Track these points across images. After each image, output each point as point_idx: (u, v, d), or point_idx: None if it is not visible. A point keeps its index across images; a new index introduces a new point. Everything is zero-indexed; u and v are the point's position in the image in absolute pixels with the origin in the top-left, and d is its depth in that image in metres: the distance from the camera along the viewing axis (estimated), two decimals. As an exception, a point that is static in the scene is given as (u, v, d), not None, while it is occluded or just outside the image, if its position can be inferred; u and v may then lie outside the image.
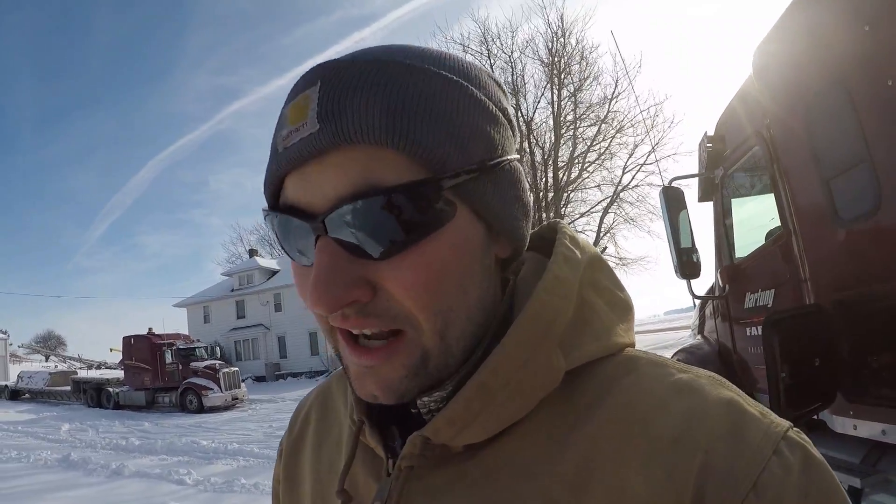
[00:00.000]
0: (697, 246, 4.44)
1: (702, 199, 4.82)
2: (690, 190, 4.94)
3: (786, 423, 0.55)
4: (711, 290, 4.90)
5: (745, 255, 4.27)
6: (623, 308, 0.68)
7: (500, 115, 0.63)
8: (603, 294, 0.67)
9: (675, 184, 4.58)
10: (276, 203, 0.61)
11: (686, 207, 4.43)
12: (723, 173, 4.42)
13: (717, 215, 4.58)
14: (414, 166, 0.55)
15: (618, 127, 25.26)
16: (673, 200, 4.42)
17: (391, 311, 0.56)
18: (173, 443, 13.50)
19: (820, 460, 0.53)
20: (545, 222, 0.75)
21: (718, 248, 4.58)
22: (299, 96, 0.58)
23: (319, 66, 0.59)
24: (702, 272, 4.43)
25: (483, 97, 0.62)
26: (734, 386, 0.60)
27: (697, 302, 5.11)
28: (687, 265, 4.36)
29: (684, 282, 4.58)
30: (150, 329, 26.59)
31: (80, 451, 13.24)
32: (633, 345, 0.67)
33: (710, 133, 4.50)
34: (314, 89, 0.57)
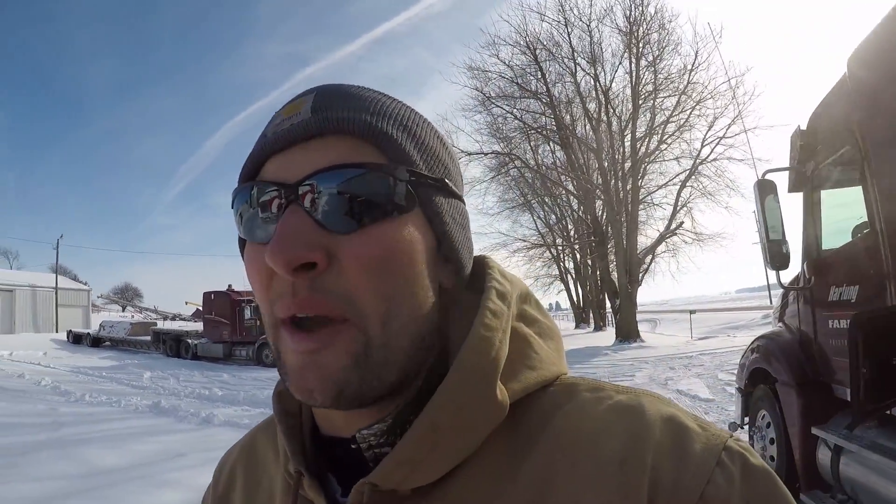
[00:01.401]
0: (787, 237, 4.47)
1: (792, 190, 4.83)
2: (784, 181, 4.92)
3: (725, 434, 0.58)
4: (796, 279, 4.91)
5: (832, 248, 4.31)
6: (552, 335, 0.72)
7: (456, 165, 0.72)
8: (532, 325, 0.70)
9: (768, 176, 4.59)
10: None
11: (778, 200, 4.47)
12: (814, 167, 4.46)
13: (807, 207, 4.61)
14: (384, 160, 0.61)
15: (697, 99, 24.43)
16: (766, 192, 4.46)
17: (340, 288, 0.58)
18: (255, 395, 13.67)
19: (761, 466, 0.56)
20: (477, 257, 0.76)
21: (806, 240, 4.59)
22: (295, 101, 0.66)
23: (316, 86, 0.67)
24: (790, 263, 4.48)
25: (448, 144, 0.71)
26: (672, 402, 0.63)
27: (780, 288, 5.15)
28: (777, 256, 4.41)
29: (774, 272, 4.64)
30: (230, 286, 26.81)
31: (165, 398, 13.44)
32: (566, 372, 0.70)
33: (803, 127, 4.54)
34: (310, 96, 0.64)
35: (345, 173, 0.59)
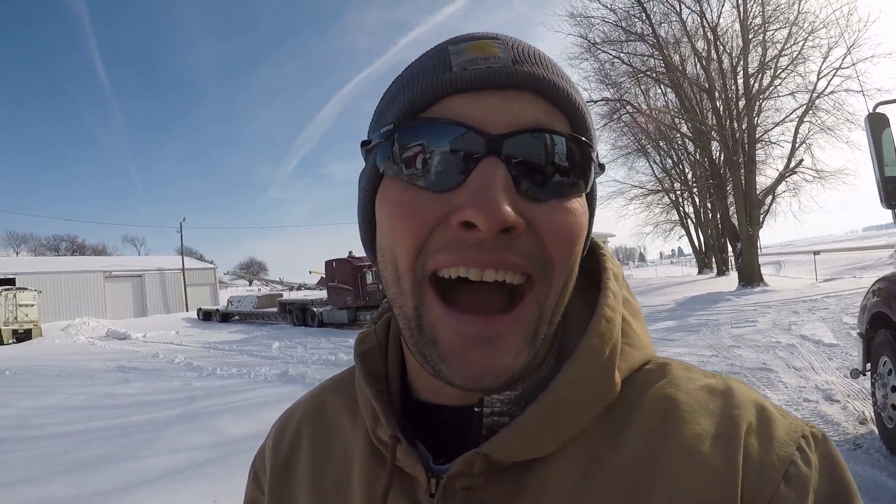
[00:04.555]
0: None
1: None
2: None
3: (803, 422, 0.61)
4: None
5: None
6: (639, 316, 0.73)
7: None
8: (627, 305, 0.70)
9: (880, 109, 4.36)
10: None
11: (892, 134, 4.25)
12: None
13: None
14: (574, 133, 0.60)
15: (810, 29, 23.03)
16: (878, 126, 4.26)
17: (536, 253, 0.57)
18: None
19: (833, 452, 0.59)
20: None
21: None
22: (479, 41, 0.61)
23: (488, 32, 0.63)
24: None
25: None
26: (755, 389, 0.66)
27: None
28: (893, 194, 4.23)
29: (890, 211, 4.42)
30: (350, 252, 26.90)
31: (293, 366, 13.81)
32: (655, 351, 0.71)
33: None
34: (496, 41, 0.61)
35: (552, 139, 0.57)
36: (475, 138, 0.55)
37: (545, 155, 0.57)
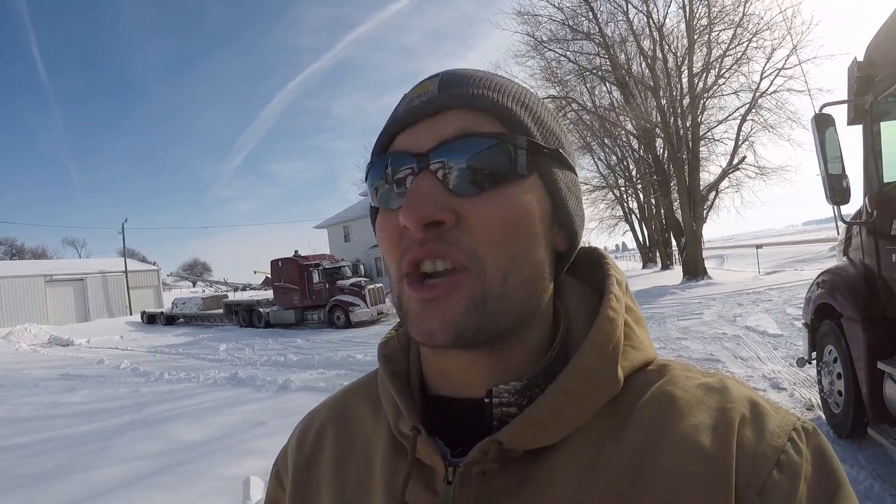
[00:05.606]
0: (848, 171, 4.39)
1: (851, 123, 4.70)
2: (841, 114, 4.76)
3: (794, 416, 0.66)
4: (859, 213, 4.82)
5: (895, 181, 4.21)
6: (643, 323, 0.78)
7: (569, 140, 0.77)
8: (630, 313, 0.75)
9: (826, 110, 4.47)
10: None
11: (837, 134, 4.39)
12: (872, 99, 4.35)
13: (867, 141, 4.49)
14: (506, 130, 0.67)
15: (754, 31, 23.48)
16: (823, 126, 4.38)
17: (464, 242, 0.63)
18: (330, 357, 14.00)
19: (823, 443, 0.64)
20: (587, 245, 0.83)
21: (867, 174, 4.50)
22: (423, 82, 0.71)
23: (441, 71, 0.73)
24: (851, 197, 4.38)
25: (559, 120, 0.76)
26: (750, 387, 0.70)
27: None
28: (838, 191, 4.33)
29: (834, 207, 4.53)
30: (296, 251, 27.00)
31: (242, 368, 13.75)
32: (656, 355, 0.76)
33: (860, 58, 4.41)
34: (436, 77, 0.70)
35: (470, 141, 0.64)
36: (410, 160, 0.66)
37: (467, 155, 0.64)
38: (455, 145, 0.64)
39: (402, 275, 0.66)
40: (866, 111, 4.45)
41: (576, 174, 0.76)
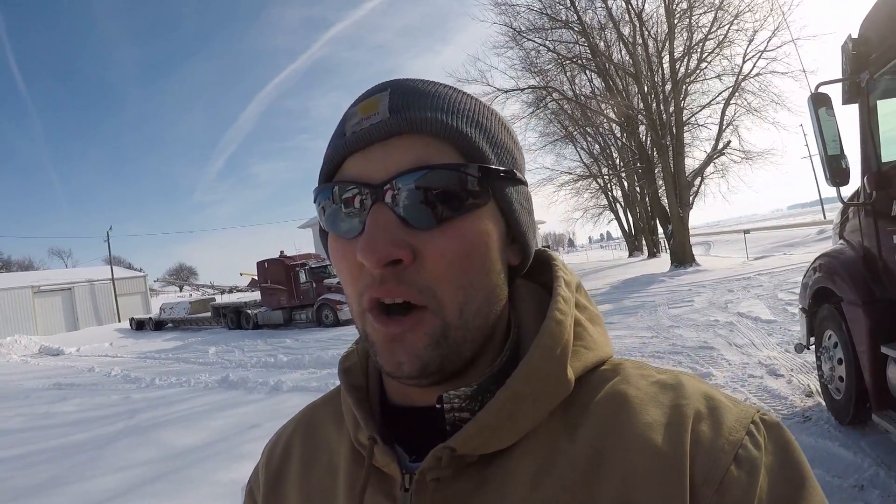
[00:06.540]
0: (846, 151, 4.31)
1: (846, 102, 4.64)
2: (838, 93, 4.72)
3: (753, 409, 0.65)
4: (856, 194, 4.76)
5: (893, 160, 4.16)
6: (599, 321, 0.78)
7: (521, 151, 0.77)
8: (583, 311, 0.76)
9: (822, 89, 4.39)
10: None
11: (834, 113, 4.32)
12: (868, 77, 4.28)
13: (863, 119, 4.42)
14: (461, 158, 0.66)
15: (735, 13, 23.45)
16: (820, 106, 4.30)
17: (422, 280, 0.63)
18: (320, 356, 13.96)
19: (783, 435, 0.63)
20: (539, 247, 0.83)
21: (864, 153, 4.44)
22: (370, 98, 0.69)
23: (388, 80, 0.71)
24: (850, 178, 4.33)
25: (511, 130, 0.76)
26: (706, 382, 0.71)
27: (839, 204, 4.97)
28: (837, 172, 4.26)
29: (835, 188, 4.48)
30: (281, 252, 27.06)
31: (233, 371, 13.67)
32: (612, 354, 0.76)
33: (855, 35, 4.35)
34: (385, 93, 0.68)
35: (427, 174, 0.63)
36: (363, 191, 0.65)
37: (424, 188, 0.63)
38: (410, 177, 0.63)
39: (363, 309, 0.66)
40: (862, 89, 4.38)
41: (527, 185, 0.76)
